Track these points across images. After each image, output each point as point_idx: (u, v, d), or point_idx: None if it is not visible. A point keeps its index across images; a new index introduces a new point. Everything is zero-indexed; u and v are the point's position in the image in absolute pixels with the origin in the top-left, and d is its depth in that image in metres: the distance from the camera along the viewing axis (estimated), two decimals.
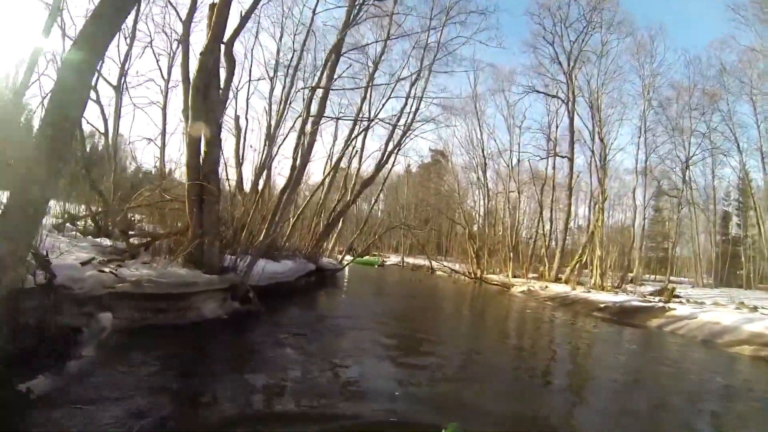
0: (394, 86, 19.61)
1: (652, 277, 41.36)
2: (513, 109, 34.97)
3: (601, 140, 27.00)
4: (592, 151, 27.33)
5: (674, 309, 16.80)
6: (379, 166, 20.64)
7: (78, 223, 10.00)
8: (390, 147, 20.67)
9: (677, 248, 39.06)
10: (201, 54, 8.46)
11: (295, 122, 12.62)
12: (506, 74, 34.54)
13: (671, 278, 35.37)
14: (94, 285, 6.16)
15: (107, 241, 9.05)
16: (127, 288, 6.62)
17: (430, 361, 7.52)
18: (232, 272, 9.14)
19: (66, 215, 9.74)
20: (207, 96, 8.63)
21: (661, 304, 18.02)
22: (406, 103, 21.05)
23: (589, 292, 22.89)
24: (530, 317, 16.74)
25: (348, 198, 19.86)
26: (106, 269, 6.72)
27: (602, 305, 18.59)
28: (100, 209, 10.34)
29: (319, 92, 14.17)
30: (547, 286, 25.27)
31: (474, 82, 34.96)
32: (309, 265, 15.86)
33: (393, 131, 20.50)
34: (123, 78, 14.22)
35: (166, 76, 17.41)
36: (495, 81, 35.38)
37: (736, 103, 29.08)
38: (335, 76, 15.27)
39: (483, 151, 36.33)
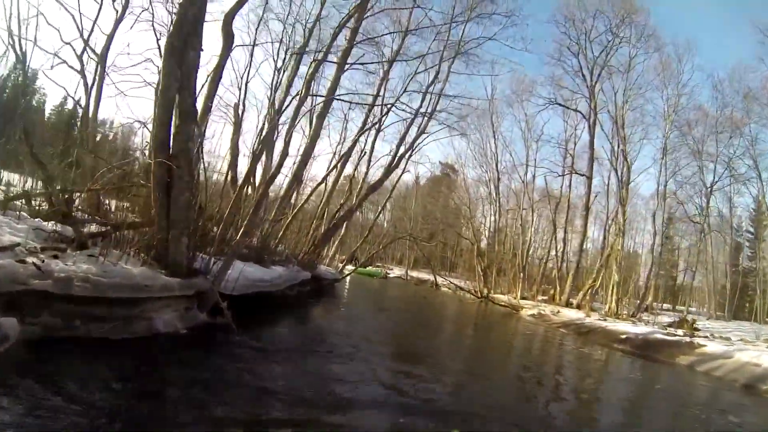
0: (409, 81, 18.07)
1: (661, 305, 39.47)
2: (531, 122, 33.61)
3: (625, 159, 25.39)
4: (615, 169, 25.73)
5: (705, 345, 15.17)
6: (389, 170, 19.02)
7: (34, 202, 8.46)
8: (401, 150, 19.16)
9: (686, 278, 37.81)
10: (180, 5, 6.98)
11: (293, 98, 10.78)
12: (526, 84, 33.01)
13: (678, 308, 33.70)
14: (0, 279, 4.63)
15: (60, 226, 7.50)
16: (48, 287, 5.05)
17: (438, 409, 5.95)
18: (202, 276, 7.55)
19: (23, 191, 8.26)
20: (184, 58, 7.12)
21: (688, 339, 16.41)
22: (421, 104, 19.58)
23: (605, 320, 21.21)
24: (545, 347, 15.14)
25: (353, 202, 18.26)
26: (31, 259, 5.18)
27: (623, 336, 16.92)
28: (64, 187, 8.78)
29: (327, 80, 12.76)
30: (559, 311, 23.58)
31: (491, 92, 33.61)
32: (303, 273, 14.26)
33: (405, 133, 19.02)
34: (107, 48, 12.73)
35: None
36: (514, 91, 33.98)
37: (760, 129, 27.57)
38: (346, 66, 13.82)
39: (497, 165, 34.90)
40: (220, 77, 10.62)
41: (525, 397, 8.00)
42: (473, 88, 39.17)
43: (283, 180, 15.47)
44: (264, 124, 14.64)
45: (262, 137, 13.74)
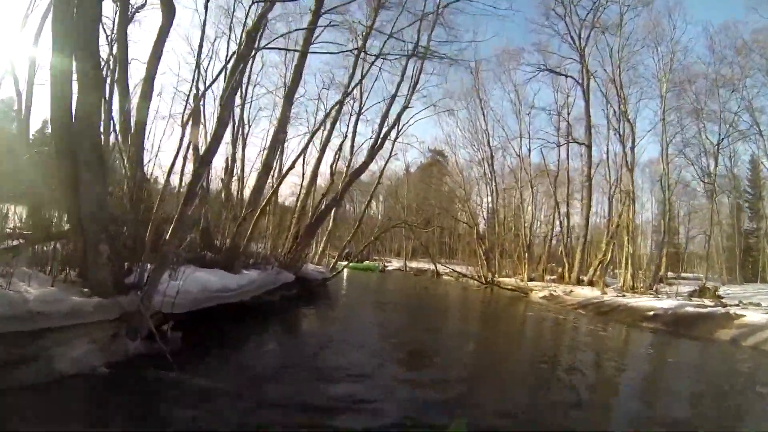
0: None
1: (666, 274, 37.79)
2: (521, 93, 31.71)
3: (627, 120, 23.52)
4: (618, 132, 23.82)
5: (744, 316, 13.53)
6: (373, 152, 17.03)
7: None
8: (385, 128, 17.24)
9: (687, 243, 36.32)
10: None
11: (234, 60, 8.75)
12: (512, 52, 31.08)
13: (685, 276, 32.00)
14: None
15: None
16: None
17: None
18: (133, 293, 5.70)
19: None
20: (83, 13, 5.26)
21: (722, 310, 14.75)
22: (402, 79, 17.69)
23: (623, 296, 19.50)
24: (565, 332, 13.40)
25: (336, 191, 16.33)
26: None
27: (650, 313, 15.21)
28: None
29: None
30: (571, 290, 21.85)
31: (476, 67, 31.83)
32: (284, 275, 12.40)
33: (388, 110, 17.10)
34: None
35: None
36: (500, 62, 32.10)
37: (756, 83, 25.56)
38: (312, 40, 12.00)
39: (489, 143, 33.02)
40: (160, 54, 8.81)
41: (558, 392, 6.65)
42: (456, 69, 37.37)
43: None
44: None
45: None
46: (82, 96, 5.28)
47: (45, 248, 5.77)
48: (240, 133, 16.34)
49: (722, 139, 27.22)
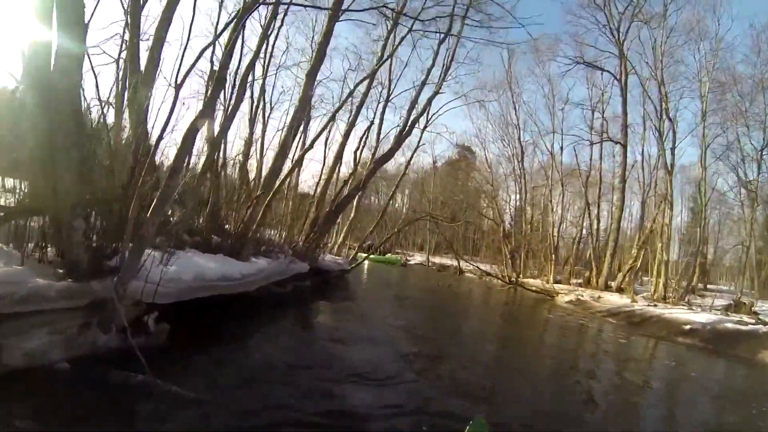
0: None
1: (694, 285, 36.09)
2: (555, 86, 30.45)
3: (669, 119, 22.21)
4: (659, 131, 22.53)
5: None
6: (400, 138, 16.10)
7: None
8: (413, 115, 16.32)
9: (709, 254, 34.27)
10: None
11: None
12: (548, 44, 29.76)
13: (710, 288, 30.41)
14: None
15: None
16: None
17: None
18: (110, 278, 5.01)
19: None
20: None
21: (766, 329, 13.71)
22: (433, 63, 16.79)
23: (655, 305, 18.40)
24: (595, 344, 12.42)
25: (360, 178, 15.51)
26: None
27: (687, 327, 14.16)
28: None
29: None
30: (600, 296, 20.81)
31: (508, 58, 30.77)
32: (298, 265, 11.69)
33: (417, 96, 16.19)
34: None
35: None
36: (535, 50, 30.89)
37: None
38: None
39: (519, 139, 31.92)
40: (170, 19, 8.22)
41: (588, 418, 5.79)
42: (489, 58, 36.45)
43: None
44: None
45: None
46: (60, 38, 4.56)
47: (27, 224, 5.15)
48: (260, 114, 15.72)
49: (766, 145, 25.57)
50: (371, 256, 33.65)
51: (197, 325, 6.66)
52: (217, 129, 10.45)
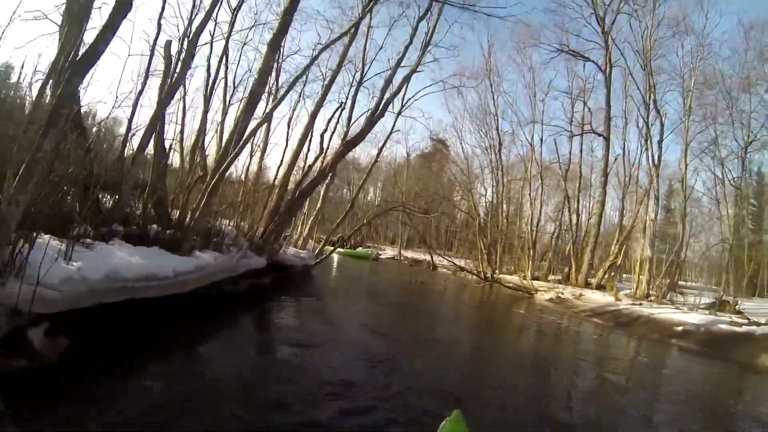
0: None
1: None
2: (537, 75, 29.39)
3: (657, 110, 21.20)
4: (647, 123, 21.52)
5: None
6: (372, 120, 14.14)
7: None
8: (387, 95, 14.68)
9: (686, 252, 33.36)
10: None
11: None
12: (530, 31, 28.63)
13: (680, 284, 29.86)
14: None
15: None
16: None
17: None
18: None
19: None
20: None
21: (761, 330, 12.87)
22: (411, 41, 15.28)
23: (641, 304, 17.41)
24: (587, 350, 11.15)
25: (325, 162, 13.90)
26: None
27: (679, 328, 13.18)
28: None
29: None
30: (581, 294, 19.76)
31: (488, 45, 29.70)
32: (254, 261, 10.14)
33: (392, 75, 14.57)
34: None
35: None
36: (516, 41, 29.90)
37: None
38: None
39: (498, 129, 30.80)
40: None
41: None
42: (470, 46, 35.37)
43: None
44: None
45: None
46: None
47: None
48: (224, 94, 14.09)
49: (751, 141, 24.74)
50: (340, 249, 32.41)
51: (113, 339, 5.17)
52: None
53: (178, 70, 9.14)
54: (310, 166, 13.92)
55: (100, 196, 7.63)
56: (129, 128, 8.76)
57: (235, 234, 10.64)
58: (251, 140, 12.07)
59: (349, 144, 14.07)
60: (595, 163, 29.51)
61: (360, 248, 38.60)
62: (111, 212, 7.50)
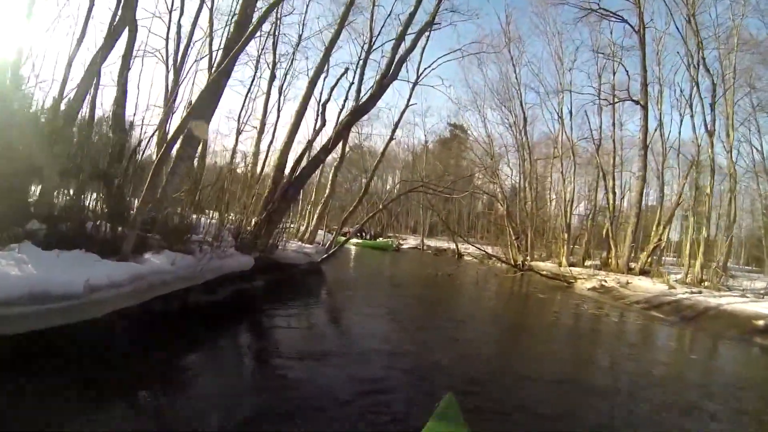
0: None
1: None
2: (562, 39, 26.95)
3: (708, 70, 18.54)
4: (696, 83, 18.97)
5: None
6: (383, 83, 11.62)
7: None
8: (400, 54, 12.05)
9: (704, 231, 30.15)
10: None
11: None
12: None
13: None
14: None
15: None
16: None
17: None
18: None
19: None
20: None
21: None
22: None
23: (699, 292, 15.05)
24: (670, 358, 8.67)
25: (330, 137, 11.53)
26: None
27: (760, 322, 10.85)
28: None
29: None
30: (628, 282, 17.37)
31: (505, 15, 27.52)
32: (235, 261, 8.08)
33: (404, 32, 12.04)
34: None
35: None
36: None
37: None
38: None
39: (522, 104, 28.39)
40: None
41: None
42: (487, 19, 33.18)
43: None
44: None
45: None
46: None
47: None
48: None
49: None
50: (357, 240, 30.46)
51: None
52: None
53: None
54: (310, 142, 11.66)
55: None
56: (62, 91, 6.83)
57: (217, 228, 8.65)
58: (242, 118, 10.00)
59: (357, 112, 11.74)
60: (624, 138, 26.92)
61: (380, 239, 36.75)
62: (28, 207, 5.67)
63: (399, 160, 48.45)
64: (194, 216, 8.52)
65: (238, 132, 13.16)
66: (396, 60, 11.54)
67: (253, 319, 7.82)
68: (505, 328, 10.12)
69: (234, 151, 11.90)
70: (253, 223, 9.76)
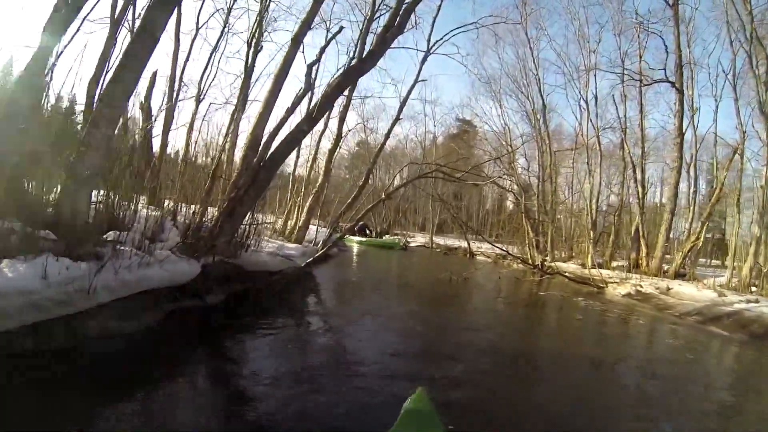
0: None
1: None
2: (586, 18, 24.47)
3: (760, 43, 16.07)
4: (750, 55, 16.44)
5: None
6: (385, 39, 8.98)
7: None
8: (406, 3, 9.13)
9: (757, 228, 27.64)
10: None
11: None
12: None
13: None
14: None
15: None
16: None
17: None
18: None
19: None
20: None
21: None
22: None
23: (756, 301, 12.70)
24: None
25: (315, 103, 8.98)
26: None
27: None
28: None
29: None
30: (668, 287, 14.95)
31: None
32: (163, 270, 5.69)
33: None
34: None
35: None
36: None
37: None
38: None
39: (540, 89, 25.99)
40: None
41: None
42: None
43: None
44: None
45: None
46: None
47: None
48: None
49: None
50: (361, 239, 28.54)
51: None
52: None
53: None
54: (290, 110, 9.07)
55: None
56: None
57: (156, 223, 6.45)
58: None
59: (350, 72, 9.10)
60: (647, 128, 24.38)
61: (387, 236, 34.75)
62: None
63: (407, 155, 46.40)
64: (130, 206, 6.28)
65: (198, 100, 10.93)
66: (402, 11, 9.08)
67: (167, 373, 4.46)
68: (530, 334, 7.72)
69: (191, 124, 9.65)
70: (210, 217, 7.50)
